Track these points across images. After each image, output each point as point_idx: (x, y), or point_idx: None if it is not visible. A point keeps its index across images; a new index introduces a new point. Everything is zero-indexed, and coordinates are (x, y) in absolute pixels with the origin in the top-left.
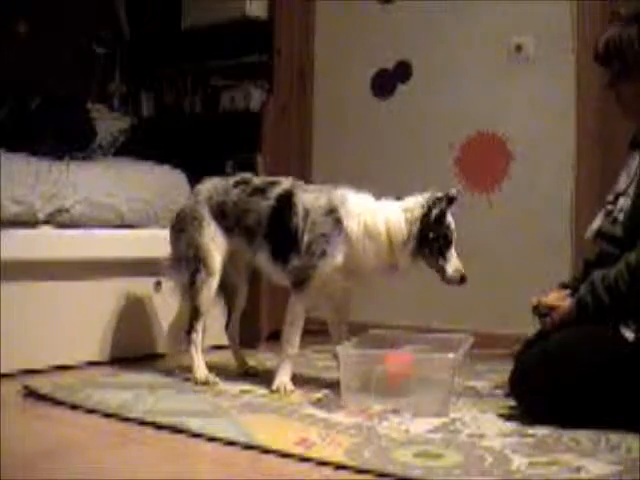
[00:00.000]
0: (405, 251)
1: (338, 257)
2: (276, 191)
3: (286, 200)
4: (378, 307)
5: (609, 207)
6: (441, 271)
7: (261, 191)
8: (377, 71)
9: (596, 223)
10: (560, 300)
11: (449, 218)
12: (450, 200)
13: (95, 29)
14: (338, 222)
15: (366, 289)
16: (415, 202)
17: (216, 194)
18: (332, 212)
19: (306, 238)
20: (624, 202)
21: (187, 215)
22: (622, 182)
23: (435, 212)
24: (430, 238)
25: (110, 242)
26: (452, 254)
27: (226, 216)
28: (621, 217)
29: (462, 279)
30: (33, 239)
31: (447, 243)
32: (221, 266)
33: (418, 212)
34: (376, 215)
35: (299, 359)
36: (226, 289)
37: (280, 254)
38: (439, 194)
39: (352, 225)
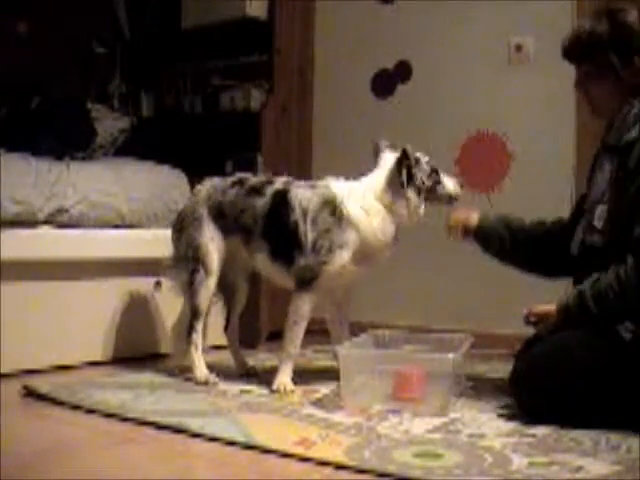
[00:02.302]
0: (411, 203)
1: (349, 246)
2: (271, 189)
3: (281, 198)
4: (378, 307)
5: (587, 216)
6: (444, 196)
7: (257, 190)
8: (377, 71)
9: (578, 236)
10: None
11: (419, 157)
12: (406, 155)
13: (95, 29)
14: (335, 212)
15: (367, 289)
16: (384, 171)
17: (214, 194)
18: (327, 204)
19: (310, 236)
20: (601, 210)
21: (187, 215)
22: (597, 189)
23: (405, 170)
24: (422, 183)
25: (110, 242)
26: (443, 177)
27: (224, 216)
28: (600, 225)
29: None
30: (33, 239)
31: (436, 173)
32: (219, 266)
33: (394, 172)
34: (363, 192)
35: (299, 359)
36: (225, 289)
37: (280, 253)
38: (395, 155)
39: (353, 210)
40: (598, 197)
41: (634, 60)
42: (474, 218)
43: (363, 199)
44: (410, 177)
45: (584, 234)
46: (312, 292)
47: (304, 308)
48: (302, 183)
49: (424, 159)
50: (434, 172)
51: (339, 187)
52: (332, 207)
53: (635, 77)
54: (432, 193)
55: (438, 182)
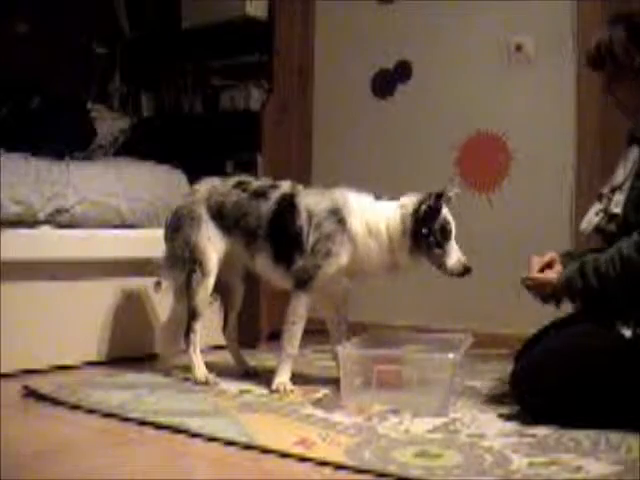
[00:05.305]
0: (403, 247)
1: (343, 256)
2: (276, 194)
3: (288, 203)
4: (378, 307)
5: (604, 202)
6: (442, 265)
7: (261, 194)
8: (377, 71)
9: (590, 216)
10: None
11: (444, 212)
12: (439, 196)
13: (95, 29)
14: (341, 222)
15: (367, 289)
16: (410, 200)
17: (215, 195)
18: (335, 213)
19: (311, 238)
20: (619, 197)
21: (184, 214)
22: (619, 176)
23: (424, 208)
24: (425, 233)
25: (110, 242)
26: (452, 246)
27: (224, 217)
28: (616, 211)
29: (466, 270)
30: (33, 239)
31: (445, 237)
32: (217, 266)
33: (411, 209)
34: (376, 213)
35: (299, 359)
36: (222, 289)
37: (282, 256)
38: (432, 192)
39: (355, 224)
40: (618, 184)
41: None
42: (555, 280)
43: (372, 217)
44: (425, 236)
45: (599, 220)
46: (308, 293)
47: (301, 308)
48: (311, 190)
49: (448, 216)
50: (446, 235)
51: (351, 198)
52: (338, 216)
53: None
54: (430, 252)
55: (442, 248)
